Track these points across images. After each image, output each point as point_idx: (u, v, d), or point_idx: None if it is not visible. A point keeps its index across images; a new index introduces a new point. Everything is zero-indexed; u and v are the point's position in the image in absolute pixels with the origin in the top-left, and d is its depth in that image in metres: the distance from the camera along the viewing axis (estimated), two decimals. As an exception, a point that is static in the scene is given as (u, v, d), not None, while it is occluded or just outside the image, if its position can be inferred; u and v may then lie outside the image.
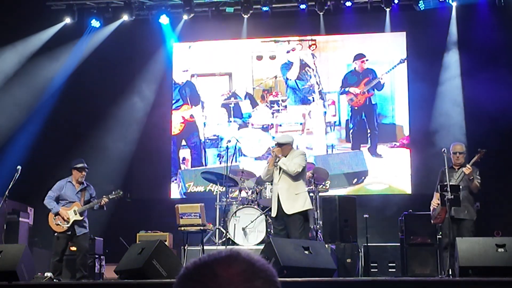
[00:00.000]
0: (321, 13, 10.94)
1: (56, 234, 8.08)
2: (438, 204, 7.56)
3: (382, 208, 10.27)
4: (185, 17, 11.28)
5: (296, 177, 7.18)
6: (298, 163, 7.15)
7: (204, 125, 11.61)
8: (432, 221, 7.81)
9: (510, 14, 10.41)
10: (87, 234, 8.28)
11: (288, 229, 7.17)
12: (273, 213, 7.26)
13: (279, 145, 7.30)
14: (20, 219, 9.83)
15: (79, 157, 8.50)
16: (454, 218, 7.44)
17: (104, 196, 8.28)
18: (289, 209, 7.11)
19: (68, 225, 8.02)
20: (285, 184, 7.19)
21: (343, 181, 10.86)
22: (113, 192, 8.37)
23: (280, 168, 7.20)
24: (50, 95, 11.12)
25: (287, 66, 11.51)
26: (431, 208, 7.75)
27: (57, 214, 8.07)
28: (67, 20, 11.28)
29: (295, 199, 7.15)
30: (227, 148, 9.40)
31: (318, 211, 8.87)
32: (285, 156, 7.23)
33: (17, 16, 10.81)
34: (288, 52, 11.54)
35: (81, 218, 8.10)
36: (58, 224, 8.05)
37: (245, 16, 11.04)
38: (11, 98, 10.72)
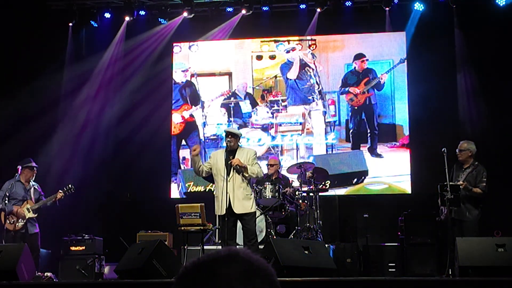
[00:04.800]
0: (320, 10, 10.85)
1: (11, 233, 8.13)
2: None
3: (382, 208, 10.25)
4: (185, 16, 11.26)
5: (247, 178, 7.29)
6: (258, 165, 7.40)
7: (204, 125, 11.59)
8: (437, 218, 7.80)
9: (510, 14, 10.39)
10: (38, 233, 8.30)
11: (246, 225, 7.25)
12: (222, 211, 7.20)
13: (233, 135, 7.34)
14: (20, 219, 9.82)
15: (79, 157, 8.52)
16: (456, 219, 7.43)
17: (59, 191, 8.29)
18: (239, 209, 7.16)
19: (23, 223, 8.08)
20: (235, 183, 7.21)
21: (343, 181, 10.82)
22: (65, 188, 8.36)
23: (231, 167, 7.21)
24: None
25: (287, 66, 11.50)
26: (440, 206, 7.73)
27: (10, 213, 8.09)
28: (69, 23, 11.26)
29: (246, 199, 7.22)
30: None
31: (318, 211, 8.86)
32: (235, 149, 7.28)
33: (17, 17, 10.78)
34: (288, 52, 11.52)
35: (35, 215, 8.16)
36: (12, 223, 8.09)
37: (244, 14, 11.02)
38: (12, 100, 10.72)
